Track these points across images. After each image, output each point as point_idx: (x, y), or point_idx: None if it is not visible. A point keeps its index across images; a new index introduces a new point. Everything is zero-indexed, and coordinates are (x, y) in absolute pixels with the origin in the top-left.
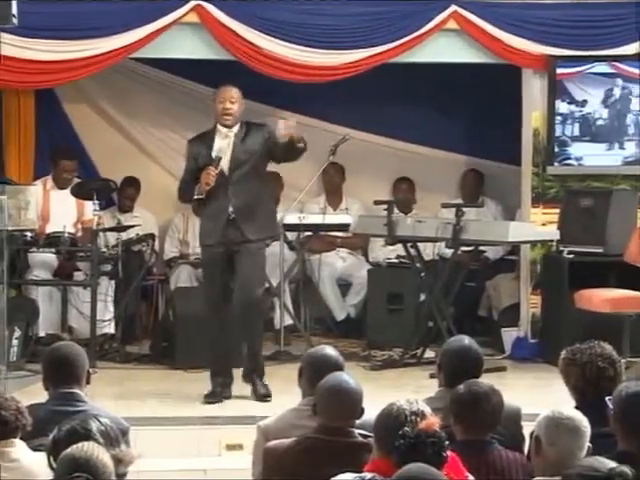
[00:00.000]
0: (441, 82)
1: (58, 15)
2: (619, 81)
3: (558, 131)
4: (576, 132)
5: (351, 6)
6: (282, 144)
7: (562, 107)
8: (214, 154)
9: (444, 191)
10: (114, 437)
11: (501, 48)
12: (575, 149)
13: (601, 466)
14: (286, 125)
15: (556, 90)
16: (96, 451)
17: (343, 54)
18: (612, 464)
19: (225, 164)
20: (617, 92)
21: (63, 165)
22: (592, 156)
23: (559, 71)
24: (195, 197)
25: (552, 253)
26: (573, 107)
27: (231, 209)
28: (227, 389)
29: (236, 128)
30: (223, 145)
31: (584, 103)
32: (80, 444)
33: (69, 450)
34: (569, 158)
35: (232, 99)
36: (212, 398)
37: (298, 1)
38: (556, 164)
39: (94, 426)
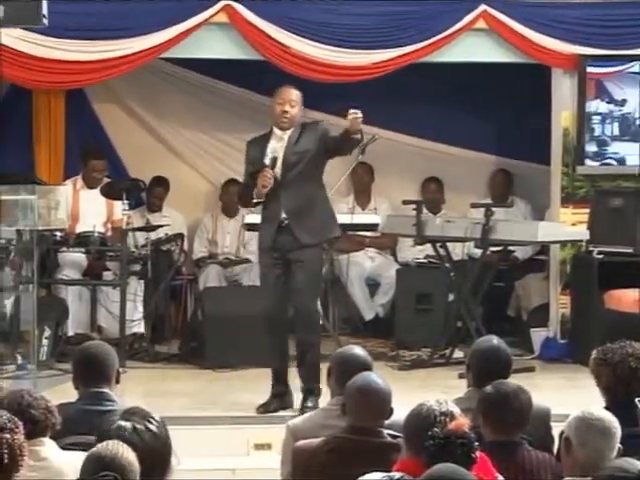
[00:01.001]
0: (470, 82)
1: (88, 15)
2: None
3: (597, 131)
4: (616, 131)
5: (380, 6)
6: (338, 135)
7: (602, 107)
8: (269, 155)
9: (473, 191)
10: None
11: (530, 47)
12: (615, 148)
13: (631, 467)
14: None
15: (585, 89)
16: (121, 450)
17: (372, 54)
18: None
19: (277, 167)
20: None
21: (93, 165)
22: (632, 156)
23: (598, 70)
24: (254, 201)
25: (582, 253)
26: (612, 106)
27: (284, 214)
28: (281, 400)
29: (291, 131)
30: (277, 147)
31: (623, 102)
32: (105, 443)
33: (95, 449)
34: (609, 157)
35: (292, 102)
36: (261, 408)
37: (327, 1)
38: (593, 163)
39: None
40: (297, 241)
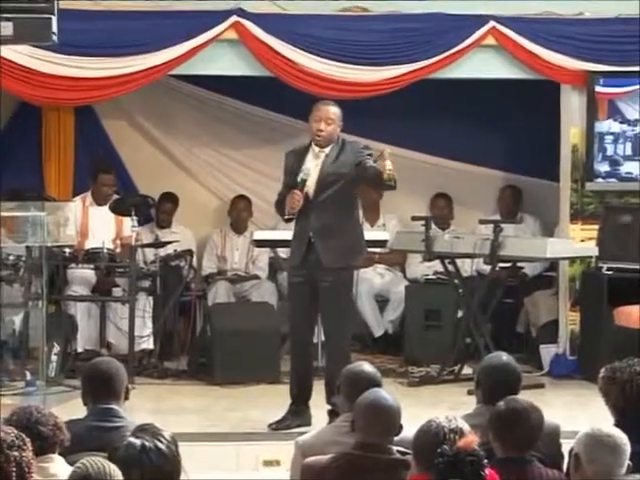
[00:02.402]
0: (479, 98)
1: (97, 32)
2: None
3: (610, 150)
4: (628, 151)
5: (389, 22)
6: (370, 173)
7: (614, 126)
8: (300, 176)
9: (482, 207)
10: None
11: (539, 64)
12: (627, 168)
13: None
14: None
15: (595, 106)
16: (107, 466)
17: (381, 70)
18: None
19: (311, 185)
20: None
21: (102, 179)
22: None
23: (610, 90)
24: (285, 217)
25: (591, 269)
26: (625, 126)
27: (311, 233)
28: (299, 417)
29: (329, 148)
30: (311, 166)
31: (636, 122)
32: (92, 458)
33: (81, 465)
34: (622, 177)
35: (329, 120)
36: (275, 424)
37: (336, 17)
38: (601, 181)
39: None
40: (320, 262)
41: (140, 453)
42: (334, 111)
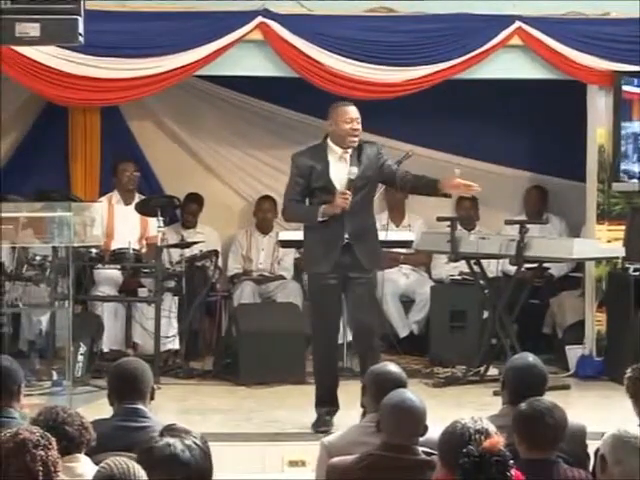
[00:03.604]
0: (505, 98)
1: (123, 33)
2: None
3: None
4: None
5: (414, 22)
6: (424, 182)
7: None
8: (348, 177)
9: (507, 208)
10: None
11: (565, 64)
12: None
13: None
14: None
15: (620, 107)
16: (131, 466)
17: (407, 71)
18: None
19: (341, 188)
20: None
21: (122, 167)
22: None
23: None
24: (320, 219)
25: (617, 270)
26: None
27: (347, 236)
28: (333, 418)
29: (351, 150)
30: (339, 168)
31: None
32: (116, 459)
33: (106, 465)
34: None
35: (358, 120)
36: (323, 426)
37: (361, 18)
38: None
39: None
40: (359, 263)
41: (180, 452)
42: (358, 112)
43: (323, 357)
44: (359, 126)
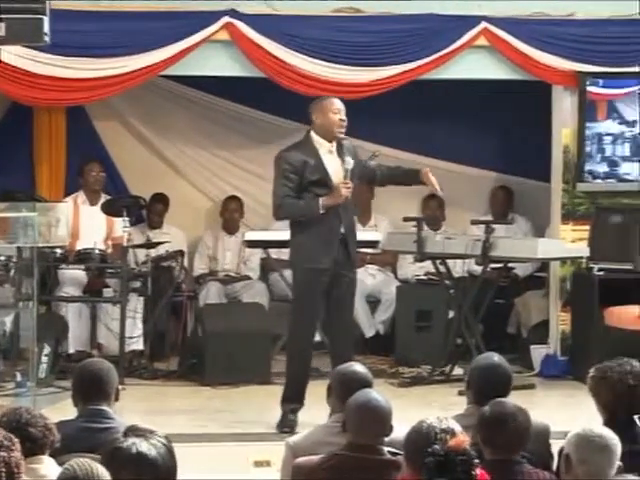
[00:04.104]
0: (471, 98)
1: (88, 33)
2: None
3: (609, 151)
4: (627, 152)
5: (381, 23)
6: (412, 176)
7: (613, 127)
8: (346, 166)
9: (473, 208)
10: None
11: (531, 65)
12: (625, 169)
13: None
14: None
15: (585, 107)
16: (94, 467)
17: (373, 71)
18: None
19: (337, 180)
20: None
21: (89, 167)
22: None
23: (609, 92)
24: (322, 212)
25: (582, 270)
26: (624, 127)
27: (343, 230)
28: (297, 417)
29: (335, 143)
30: (331, 161)
31: (634, 123)
32: (80, 460)
33: (69, 466)
34: (620, 178)
35: (344, 111)
36: (287, 427)
37: (328, 18)
38: (604, 182)
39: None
40: (350, 259)
41: (146, 451)
42: None
43: (301, 354)
44: (345, 117)
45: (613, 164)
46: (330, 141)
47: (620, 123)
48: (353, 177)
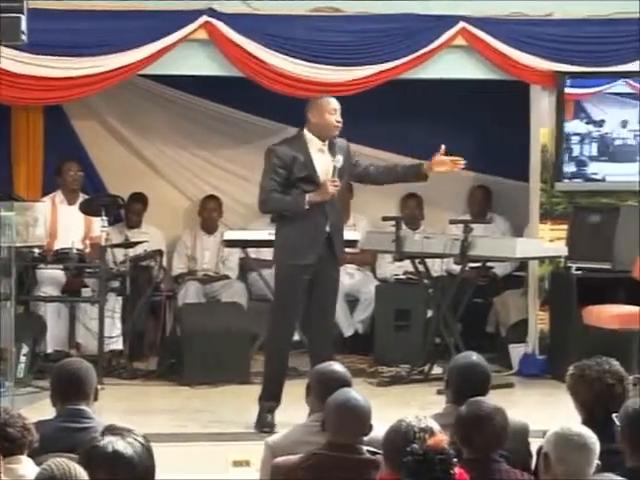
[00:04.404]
0: (449, 98)
1: (67, 32)
2: (637, 102)
3: (576, 151)
4: (594, 152)
5: (360, 22)
6: (415, 171)
7: (580, 127)
8: (334, 164)
9: (452, 207)
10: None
11: (509, 64)
12: (593, 169)
13: None
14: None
15: (564, 107)
16: (72, 467)
17: (352, 70)
18: None
19: (325, 178)
20: (635, 112)
21: (67, 167)
22: (610, 176)
23: (576, 91)
24: (307, 207)
25: (560, 269)
26: (591, 127)
27: (328, 228)
28: (273, 416)
29: (327, 143)
30: (321, 158)
31: (602, 123)
32: (58, 460)
33: (47, 466)
34: (588, 178)
35: (340, 112)
36: (266, 427)
37: (307, 17)
38: (569, 181)
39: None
40: (335, 257)
41: (122, 449)
42: None
43: (279, 353)
44: (340, 118)
45: (581, 164)
46: (323, 140)
47: (587, 123)
48: (342, 176)
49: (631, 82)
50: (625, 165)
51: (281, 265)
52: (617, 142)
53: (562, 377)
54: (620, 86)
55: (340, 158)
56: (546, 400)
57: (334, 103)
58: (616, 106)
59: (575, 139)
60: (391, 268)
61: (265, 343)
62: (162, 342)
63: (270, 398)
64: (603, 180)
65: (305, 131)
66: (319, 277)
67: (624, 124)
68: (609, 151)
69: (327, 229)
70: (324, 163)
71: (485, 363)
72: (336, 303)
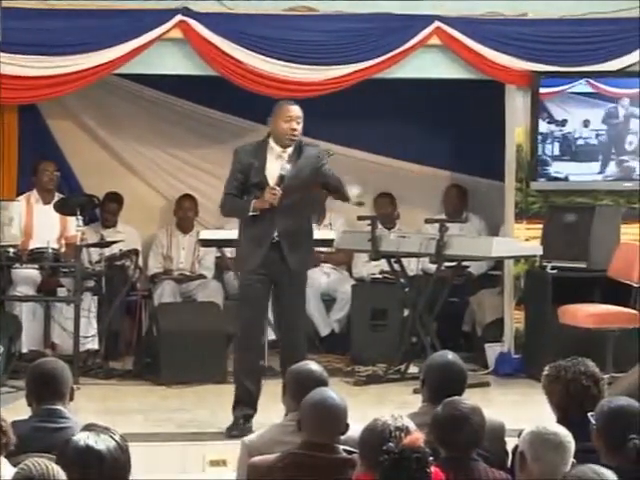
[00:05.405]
0: (424, 98)
1: (41, 31)
2: (599, 101)
3: (539, 150)
4: (556, 151)
5: (335, 22)
6: (333, 187)
7: (542, 126)
8: (280, 173)
9: (427, 207)
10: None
11: (484, 64)
12: (555, 168)
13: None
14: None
15: (538, 107)
16: (50, 467)
17: (327, 70)
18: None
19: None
20: (598, 111)
21: (42, 166)
22: (573, 175)
23: (541, 90)
24: (251, 213)
25: (535, 268)
26: (553, 126)
27: (276, 234)
28: (250, 421)
29: (290, 149)
30: (276, 165)
31: (564, 122)
32: (35, 460)
33: (24, 466)
34: (550, 177)
35: (299, 119)
36: (236, 430)
37: (282, 17)
38: (539, 181)
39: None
40: (287, 266)
41: (93, 444)
42: (300, 110)
43: (244, 358)
44: (298, 126)
45: (544, 163)
46: (283, 147)
47: (549, 122)
48: (293, 184)
49: (592, 82)
50: (587, 164)
51: (236, 270)
52: (579, 142)
53: (537, 376)
54: (581, 86)
55: (287, 166)
56: (521, 399)
57: (292, 110)
58: (578, 106)
59: (538, 138)
60: (367, 267)
61: (234, 350)
62: (138, 342)
63: (241, 405)
64: (566, 179)
65: (270, 136)
66: (274, 282)
67: (586, 124)
68: (571, 150)
69: (275, 235)
70: (277, 170)
71: (461, 362)
72: (300, 304)
